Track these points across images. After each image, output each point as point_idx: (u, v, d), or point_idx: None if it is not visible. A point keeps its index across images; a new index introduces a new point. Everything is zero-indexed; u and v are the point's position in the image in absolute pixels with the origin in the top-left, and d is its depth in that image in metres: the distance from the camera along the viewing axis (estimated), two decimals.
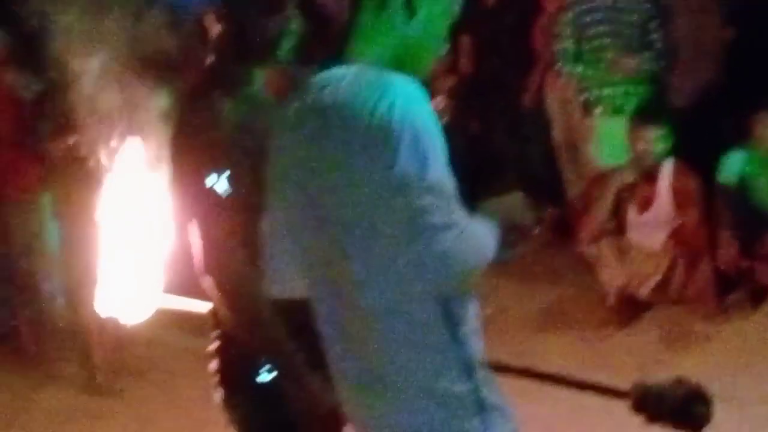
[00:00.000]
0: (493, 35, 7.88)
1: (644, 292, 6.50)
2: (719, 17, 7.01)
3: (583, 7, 7.12)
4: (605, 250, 6.57)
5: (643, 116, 6.64)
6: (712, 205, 6.50)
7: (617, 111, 7.02)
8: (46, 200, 6.79)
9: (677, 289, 6.44)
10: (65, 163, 6.31)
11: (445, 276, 2.18)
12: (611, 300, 6.55)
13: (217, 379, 2.95)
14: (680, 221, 6.47)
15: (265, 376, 2.83)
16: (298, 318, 2.50)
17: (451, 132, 2.25)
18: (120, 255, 3.14)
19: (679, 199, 6.48)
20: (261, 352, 2.80)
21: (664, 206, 6.54)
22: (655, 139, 6.46)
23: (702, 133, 6.59)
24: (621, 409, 2.54)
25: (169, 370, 6.57)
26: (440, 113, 3.42)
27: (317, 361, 2.49)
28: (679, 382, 2.51)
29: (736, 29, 6.95)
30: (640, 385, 2.54)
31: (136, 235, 3.14)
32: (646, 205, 6.59)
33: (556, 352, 6.04)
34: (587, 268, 6.87)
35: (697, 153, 6.53)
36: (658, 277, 6.45)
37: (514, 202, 2.48)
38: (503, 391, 2.39)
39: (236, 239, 2.70)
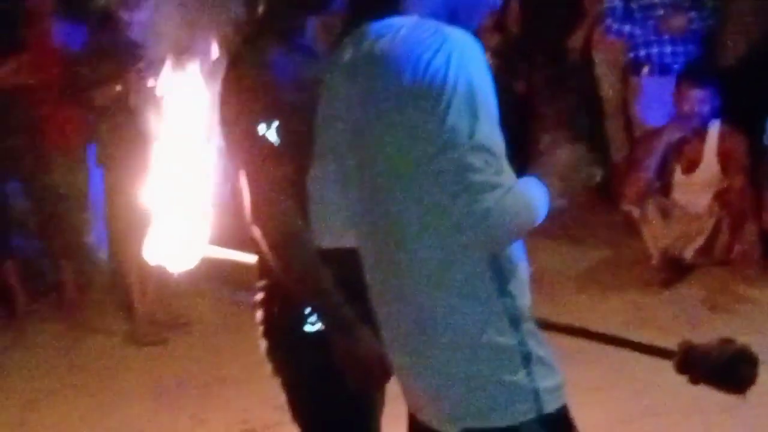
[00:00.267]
0: None
1: (688, 253, 6.47)
2: None
3: None
4: (650, 211, 6.53)
5: (691, 76, 6.58)
6: (759, 167, 6.45)
7: (665, 70, 6.96)
8: (90, 150, 6.81)
9: (722, 251, 6.41)
10: (111, 111, 6.33)
11: (484, 235, 2.16)
12: (655, 261, 6.53)
13: (262, 329, 2.96)
14: (726, 183, 6.43)
15: (311, 327, 2.83)
16: (345, 268, 2.50)
17: (496, 91, 2.23)
18: (169, 203, 3.15)
19: (726, 161, 6.44)
20: (307, 302, 2.79)
21: (710, 168, 6.50)
22: (703, 99, 6.41)
23: (750, 95, 6.53)
24: (667, 369, 2.53)
25: (212, 322, 6.61)
26: None
27: (364, 311, 2.49)
28: (726, 342, 2.49)
29: None
30: (687, 344, 2.52)
31: (185, 183, 3.15)
32: (692, 166, 6.56)
33: (599, 312, 6.03)
34: (630, 228, 6.85)
35: (744, 114, 6.47)
36: (702, 239, 6.42)
37: (574, 156, 2.46)
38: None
39: (285, 189, 2.70)
